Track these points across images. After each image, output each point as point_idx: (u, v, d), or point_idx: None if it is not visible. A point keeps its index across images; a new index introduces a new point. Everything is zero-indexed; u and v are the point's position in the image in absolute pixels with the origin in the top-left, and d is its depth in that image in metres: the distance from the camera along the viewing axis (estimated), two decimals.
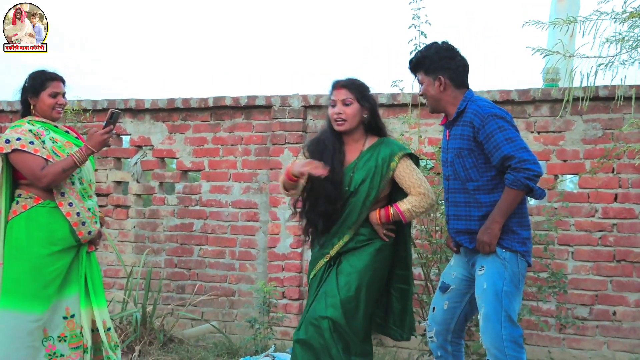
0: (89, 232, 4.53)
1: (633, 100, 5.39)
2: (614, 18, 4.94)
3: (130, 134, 7.60)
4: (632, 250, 6.01)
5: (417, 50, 4.27)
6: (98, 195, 7.57)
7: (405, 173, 4.35)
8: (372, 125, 4.44)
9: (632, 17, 4.82)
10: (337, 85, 4.38)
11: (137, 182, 7.56)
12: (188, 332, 6.84)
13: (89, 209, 4.56)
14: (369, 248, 4.35)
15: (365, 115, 4.37)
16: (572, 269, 6.15)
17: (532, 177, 3.94)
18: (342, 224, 4.36)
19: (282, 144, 6.95)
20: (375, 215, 4.34)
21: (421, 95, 4.29)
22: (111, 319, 6.45)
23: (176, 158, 7.45)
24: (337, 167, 4.33)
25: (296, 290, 6.86)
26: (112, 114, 4.48)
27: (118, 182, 7.68)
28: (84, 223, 4.49)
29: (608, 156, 5.81)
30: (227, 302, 7.14)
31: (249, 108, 7.16)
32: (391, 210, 4.32)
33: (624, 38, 4.84)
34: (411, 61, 4.27)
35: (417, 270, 6.18)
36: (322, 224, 4.38)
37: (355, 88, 4.37)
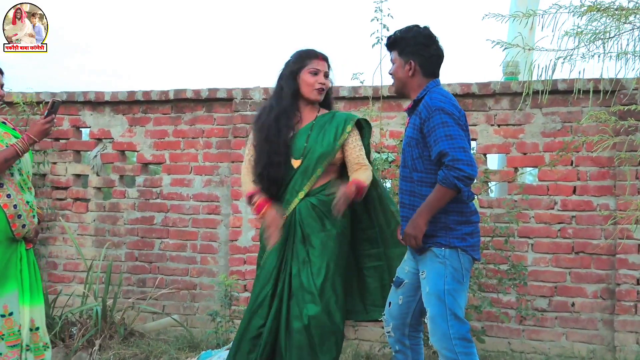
0: (24, 226, 4.44)
1: (591, 93, 5.44)
2: (573, 12, 4.98)
3: (90, 127, 7.53)
4: (590, 242, 6.08)
5: (397, 30, 4.22)
6: (57, 188, 7.54)
7: (355, 144, 4.52)
8: (326, 100, 4.66)
9: (590, 11, 4.86)
10: (321, 56, 4.57)
11: (97, 175, 7.48)
12: (149, 326, 6.80)
13: (27, 202, 4.48)
14: (331, 234, 4.42)
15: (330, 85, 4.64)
16: (532, 261, 6.21)
17: (461, 178, 3.87)
18: (298, 181, 4.46)
19: (243, 137, 6.92)
20: (350, 188, 4.36)
21: (390, 74, 4.27)
22: (71, 312, 6.46)
23: (137, 151, 7.39)
24: (283, 135, 4.46)
25: None
26: (53, 103, 4.45)
27: (77, 175, 7.59)
28: (19, 216, 4.40)
29: (567, 149, 5.87)
30: (189, 296, 7.11)
31: (210, 101, 7.12)
32: (352, 187, 4.37)
33: (582, 31, 4.89)
34: (389, 38, 4.25)
35: None
36: (274, 188, 4.49)
37: (329, 63, 4.60)
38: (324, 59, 4.57)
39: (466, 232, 4.06)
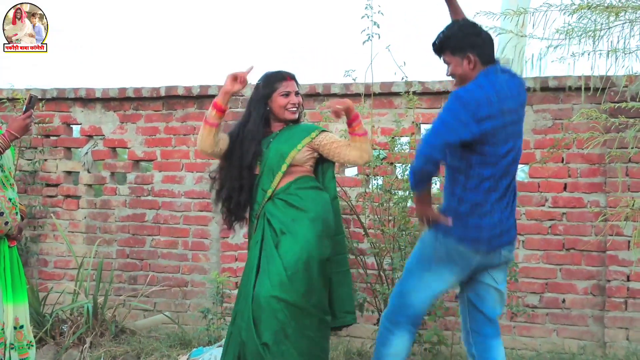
0: (6, 223, 4.41)
1: (582, 90, 5.45)
2: (563, 9, 4.99)
3: (80, 124, 7.51)
4: (580, 239, 6.10)
5: (439, 32, 4.13)
6: (48, 185, 7.52)
7: (329, 138, 4.70)
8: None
9: (581, 9, 4.87)
10: (289, 77, 4.73)
11: (88, 172, 7.47)
12: (140, 323, 6.79)
13: (10, 199, 4.45)
14: (304, 219, 4.53)
15: None
16: (523, 258, 6.22)
17: (413, 167, 3.99)
18: (265, 180, 4.64)
19: None
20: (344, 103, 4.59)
21: (449, 75, 4.15)
22: (62, 310, 6.44)
23: (128, 148, 7.38)
24: (246, 161, 4.66)
25: None
26: (30, 98, 4.43)
27: (68, 172, 7.58)
28: (2, 213, 4.37)
29: (557, 146, 5.89)
30: (180, 293, 7.11)
31: (201, 97, 7.10)
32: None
33: (573, 29, 4.90)
34: (435, 43, 4.13)
35: (370, 260, 6.22)
36: (241, 211, 4.78)
37: (297, 81, 4.77)
38: (292, 78, 4.74)
39: (456, 222, 4.05)
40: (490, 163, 3.98)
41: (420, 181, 4.00)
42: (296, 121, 4.78)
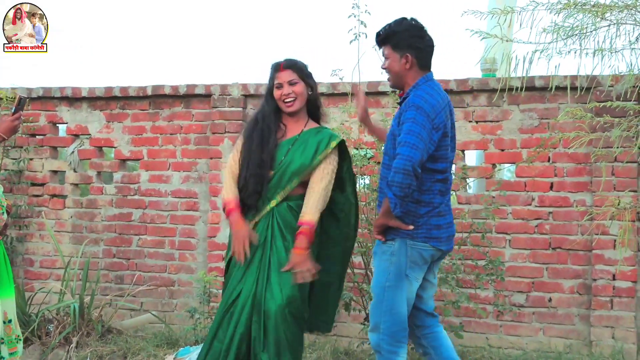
0: None
1: (568, 90, 5.47)
2: (550, 9, 5.02)
3: (67, 123, 7.48)
4: (567, 238, 6.13)
5: (387, 24, 4.21)
6: (34, 184, 7.49)
7: (327, 163, 4.42)
8: (313, 110, 4.56)
9: (567, 8, 4.90)
10: (280, 67, 4.46)
11: (74, 171, 7.44)
12: (127, 323, 6.77)
13: None
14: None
15: (309, 93, 4.49)
16: (509, 257, 6.24)
17: (393, 182, 3.94)
18: (272, 191, 4.41)
19: (221, 133, 6.91)
20: (295, 255, 4.31)
21: (384, 68, 4.27)
22: (48, 310, 6.42)
23: (114, 147, 7.36)
24: (264, 149, 4.42)
25: None
26: (20, 100, 4.41)
27: (54, 172, 7.55)
28: None
29: (544, 145, 5.92)
30: (167, 292, 7.09)
31: (188, 97, 7.10)
32: (302, 229, 4.32)
33: (559, 28, 4.92)
34: (379, 34, 4.23)
35: (357, 259, 6.22)
36: (254, 198, 4.44)
37: (298, 68, 4.48)
38: (286, 66, 4.47)
39: (419, 224, 4.11)
40: (441, 166, 4.13)
41: (406, 196, 3.99)
42: (315, 116, 4.56)
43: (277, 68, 4.47)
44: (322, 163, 4.41)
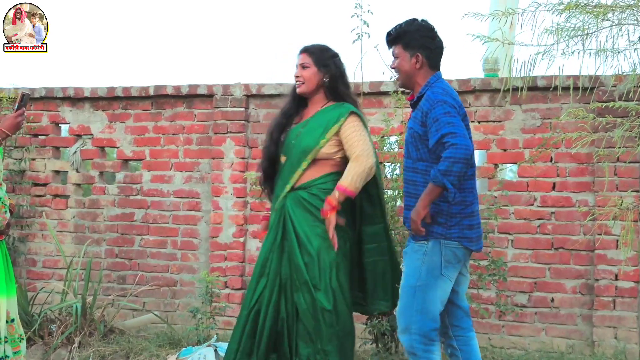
0: None
1: (571, 90, 5.47)
2: (552, 9, 5.01)
3: (69, 123, 7.49)
4: (569, 238, 6.12)
5: (398, 24, 4.22)
6: (36, 184, 7.50)
7: (349, 132, 4.45)
8: (335, 91, 4.59)
9: (569, 8, 4.89)
10: (300, 51, 4.61)
11: (77, 171, 7.45)
12: (129, 323, 6.77)
13: None
14: (319, 238, 4.42)
15: (325, 79, 4.55)
16: (512, 257, 6.24)
17: (450, 171, 3.89)
18: (285, 175, 4.51)
19: (224, 133, 6.91)
20: (325, 208, 4.37)
21: (393, 68, 4.28)
22: (50, 310, 6.43)
23: (117, 147, 7.36)
24: (272, 136, 4.60)
25: (239, 279, 6.84)
26: (22, 96, 4.40)
27: (57, 172, 7.56)
28: None
29: (546, 145, 5.91)
30: (169, 292, 7.10)
31: (190, 97, 7.10)
32: (336, 194, 4.36)
33: (561, 29, 4.92)
34: (390, 33, 4.25)
35: None
36: (268, 183, 4.66)
37: (314, 52, 4.58)
38: (302, 50, 4.61)
39: (452, 224, 4.09)
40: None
41: (458, 183, 3.97)
42: (336, 95, 4.56)
43: (299, 51, 4.62)
44: (344, 135, 4.43)
